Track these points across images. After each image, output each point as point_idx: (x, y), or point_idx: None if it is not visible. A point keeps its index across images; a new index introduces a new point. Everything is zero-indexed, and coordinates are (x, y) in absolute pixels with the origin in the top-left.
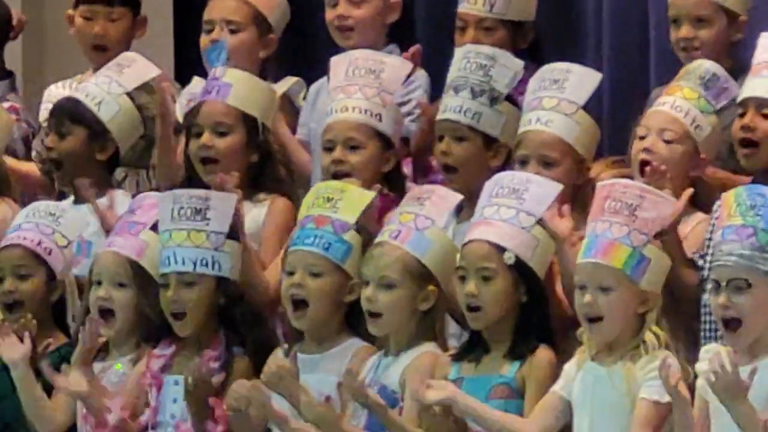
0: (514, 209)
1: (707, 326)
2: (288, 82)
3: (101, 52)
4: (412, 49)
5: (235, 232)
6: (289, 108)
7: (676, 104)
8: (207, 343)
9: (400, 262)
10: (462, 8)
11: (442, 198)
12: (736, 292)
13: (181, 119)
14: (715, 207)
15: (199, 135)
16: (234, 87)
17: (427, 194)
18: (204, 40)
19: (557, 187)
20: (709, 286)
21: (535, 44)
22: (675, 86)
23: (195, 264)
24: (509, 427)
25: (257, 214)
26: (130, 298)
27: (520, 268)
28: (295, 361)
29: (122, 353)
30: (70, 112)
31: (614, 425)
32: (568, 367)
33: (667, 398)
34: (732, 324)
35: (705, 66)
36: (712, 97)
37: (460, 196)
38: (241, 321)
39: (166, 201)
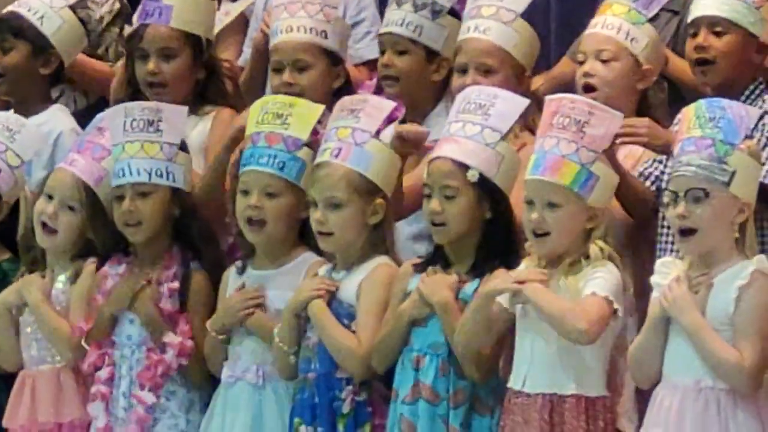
0: (479, 125)
1: (663, 239)
2: (245, 2)
3: None
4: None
5: (185, 144)
6: (246, 27)
7: (607, 22)
8: (160, 259)
9: (344, 181)
10: None
11: (376, 107)
12: (694, 203)
13: None
14: (675, 120)
15: (143, 58)
16: (175, 8)
17: (359, 105)
18: None
19: (523, 103)
20: (666, 199)
21: None
22: (605, 4)
23: (150, 174)
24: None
25: (203, 127)
26: (75, 222)
27: (484, 185)
28: None
29: (61, 267)
30: (11, 27)
31: (555, 337)
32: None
33: (604, 293)
34: (687, 231)
35: None
36: (642, 6)
37: (392, 104)
38: (197, 235)
39: (117, 114)
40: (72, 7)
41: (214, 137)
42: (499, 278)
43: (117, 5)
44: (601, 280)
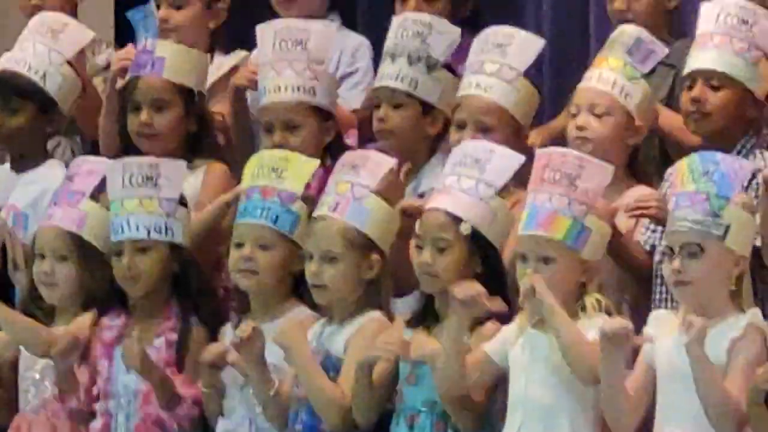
0: (474, 179)
1: (658, 296)
2: (238, 56)
3: None
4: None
5: (184, 199)
6: None
7: (603, 76)
8: (159, 313)
9: (340, 235)
10: None
11: (377, 164)
12: (690, 257)
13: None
14: (666, 176)
15: (136, 110)
16: (168, 60)
17: (361, 161)
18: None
19: (519, 159)
20: (657, 257)
21: (475, 13)
22: (600, 58)
23: (149, 230)
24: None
25: (194, 180)
26: (72, 271)
27: (476, 239)
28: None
29: (67, 322)
30: (16, 88)
31: (550, 387)
32: (507, 329)
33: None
34: (683, 284)
35: (627, 32)
36: (639, 62)
37: (394, 161)
38: (196, 290)
39: (115, 170)
40: (70, 62)
41: (206, 191)
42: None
43: (114, 54)
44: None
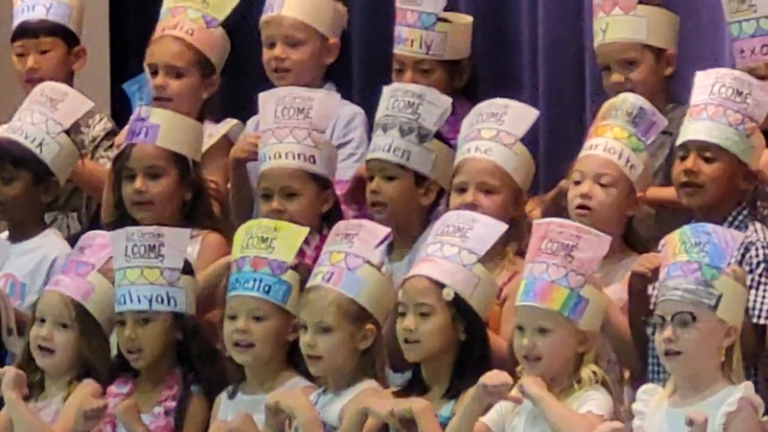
0: (457, 247)
1: (653, 368)
2: (228, 125)
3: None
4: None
5: (189, 266)
6: (229, 150)
7: (609, 146)
8: (162, 380)
9: (335, 305)
10: (398, 50)
11: (371, 233)
12: (682, 327)
13: None
14: (659, 246)
15: (131, 178)
16: (162, 127)
17: (354, 230)
18: (151, 83)
19: (502, 227)
20: (649, 330)
21: (472, 82)
22: (604, 126)
23: (151, 301)
24: None
25: (190, 250)
26: (71, 340)
27: (459, 305)
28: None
29: (59, 388)
30: (12, 157)
31: None
32: (504, 402)
33: (601, 411)
34: (674, 354)
35: (630, 101)
36: (642, 133)
37: (387, 230)
38: (197, 356)
39: (118, 239)
40: (67, 132)
41: (202, 262)
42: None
43: (109, 124)
44: (596, 401)
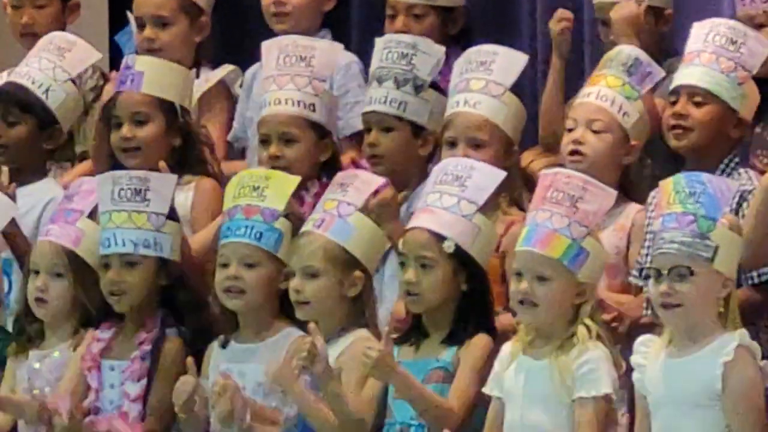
0: (456, 197)
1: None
2: (224, 70)
3: (32, 39)
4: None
5: (174, 213)
6: (226, 95)
7: (602, 93)
8: (145, 324)
9: (322, 250)
10: None
11: (365, 183)
12: (679, 280)
13: None
14: (649, 199)
15: (119, 126)
16: (146, 74)
17: (350, 180)
18: (139, 37)
19: (500, 175)
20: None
21: (465, 29)
22: (598, 75)
23: (137, 245)
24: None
25: (184, 198)
26: (66, 288)
27: (460, 256)
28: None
29: (60, 338)
30: (19, 101)
31: (546, 415)
32: (498, 361)
33: (604, 390)
34: (671, 306)
35: (626, 51)
36: (637, 82)
37: (383, 180)
38: (182, 304)
39: (105, 183)
40: (73, 81)
41: (197, 208)
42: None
43: (101, 81)
44: (593, 374)
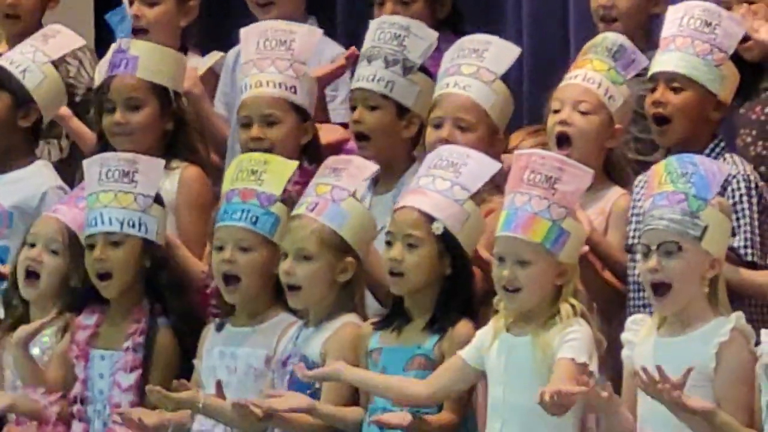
0: (450, 181)
1: (634, 297)
2: (213, 57)
3: (14, 21)
4: (348, 52)
5: (160, 197)
6: (215, 82)
7: (588, 76)
8: (132, 312)
9: (316, 234)
10: None
11: (359, 168)
12: (667, 256)
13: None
14: (636, 182)
15: (111, 110)
16: (141, 59)
17: (343, 165)
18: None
19: (495, 166)
20: (638, 256)
21: (454, 15)
22: (584, 60)
23: (122, 224)
24: (396, 389)
25: (170, 183)
26: (59, 265)
27: (447, 239)
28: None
29: (39, 316)
30: None
31: (529, 391)
32: (482, 334)
33: (583, 358)
34: (661, 289)
35: (610, 38)
36: (622, 67)
37: (376, 167)
38: (166, 287)
39: (93, 164)
40: (54, 63)
41: (181, 197)
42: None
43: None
44: (576, 342)
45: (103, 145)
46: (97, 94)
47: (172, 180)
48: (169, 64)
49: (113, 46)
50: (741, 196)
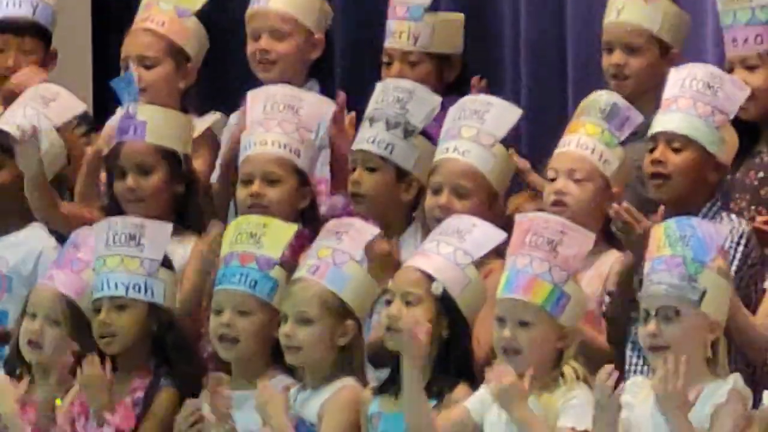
0: (453, 246)
1: (633, 361)
2: (211, 118)
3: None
4: (338, 99)
5: (169, 261)
6: (212, 144)
7: (581, 142)
8: (136, 371)
9: (317, 297)
10: (387, 43)
11: (360, 232)
12: (666, 321)
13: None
14: None
15: (122, 175)
16: (149, 124)
17: (344, 228)
18: None
19: (500, 236)
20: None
21: (462, 77)
22: (576, 123)
23: (127, 288)
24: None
25: (183, 252)
26: (61, 336)
27: (446, 301)
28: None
29: (44, 390)
30: (1, 145)
31: None
32: (485, 391)
33: (583, 426)
34: (660, 348)
35: (604, 97)
36: (616, 128)
37: (377, 230)
38: (172, 350)
39: (101, 228)
40: (58, 129)
41: (191, 271)
42: None
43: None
44: (579, 409)
45: (116, 212)
46: (108, 161)
47: (185, 248)
48: (176, 128)
49: (119, 111)
50: (731, 245)
